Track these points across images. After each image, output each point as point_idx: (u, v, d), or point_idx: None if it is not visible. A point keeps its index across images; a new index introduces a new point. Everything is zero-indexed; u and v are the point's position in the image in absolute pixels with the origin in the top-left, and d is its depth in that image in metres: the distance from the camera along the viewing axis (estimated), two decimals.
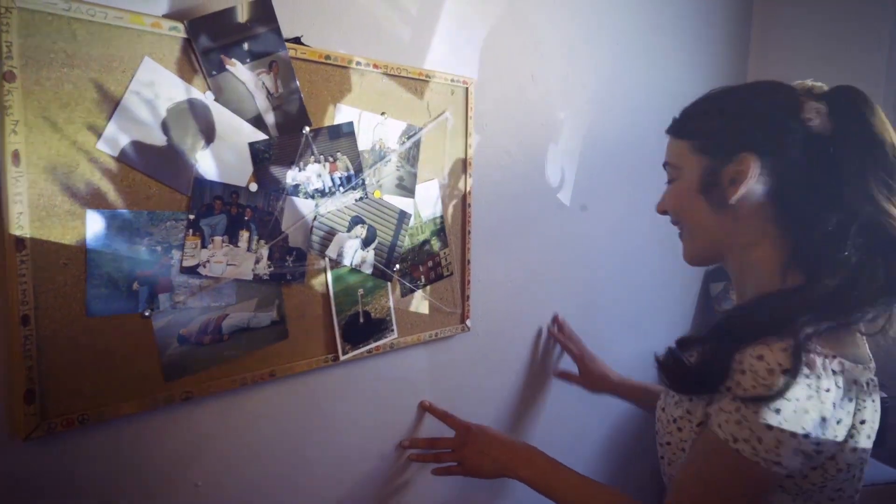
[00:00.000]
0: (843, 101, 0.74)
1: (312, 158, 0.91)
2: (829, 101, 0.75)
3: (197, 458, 0.84)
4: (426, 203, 1.08)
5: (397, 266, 1.05)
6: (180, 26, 0.76)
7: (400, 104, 1.02)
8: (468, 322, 1.18)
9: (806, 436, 0.66)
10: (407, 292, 1.08)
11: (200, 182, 0.80)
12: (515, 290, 1.29)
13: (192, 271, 0.80)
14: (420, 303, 1.10)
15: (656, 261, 1.70)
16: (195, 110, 0.79)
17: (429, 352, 1.14)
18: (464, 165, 1.13)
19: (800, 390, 0.65)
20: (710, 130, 0.81)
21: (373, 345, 1.03)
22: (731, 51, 1.96)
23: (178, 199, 0.78)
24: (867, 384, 0.72)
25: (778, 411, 0.65)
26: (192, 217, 0.80)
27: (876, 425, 0.74)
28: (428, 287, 1.11)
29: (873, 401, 0.73)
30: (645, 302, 1.69)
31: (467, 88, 1.11)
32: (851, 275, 0.71)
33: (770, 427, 0.65)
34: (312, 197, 0.92)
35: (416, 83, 1.03)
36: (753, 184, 0.76)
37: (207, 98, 0.80)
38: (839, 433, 0.69)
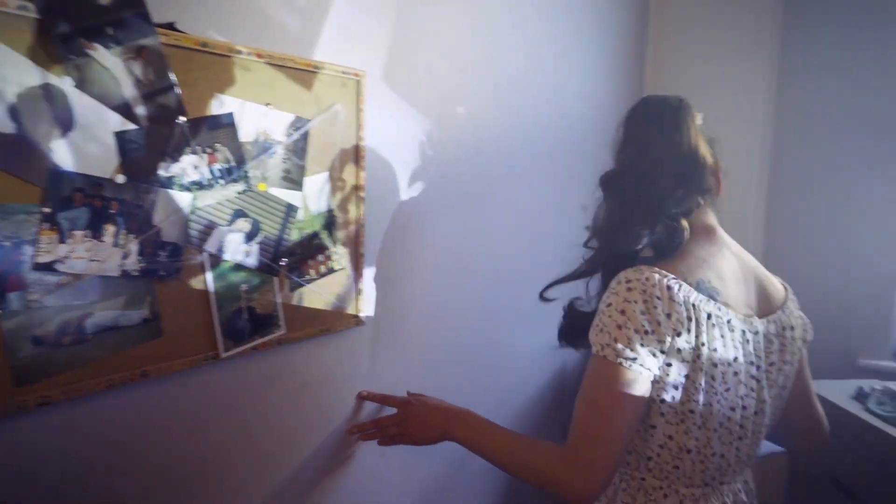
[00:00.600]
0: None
1: (189, 150, 0.88)
2: None
3: (58, 468, 0.80)
4: (315, 196, 1.07)
5: (284, 260, 1.03)
6: (30, 6, 0.71)
7: (287, 95, 0.99)
8: (362, 316, 1.18)
9: (647, 332, 0.80)
10: (296, 287, 1.06)
11: (57, 173, 0.75)
12: (410, 284, 1.30)
13: (47, 268, 0.75)
14: (311, 297, 1.09)
15: (556, 252, 1.76)
16: (50, 97, 0.74)
17: (321, 347, 1.13)
18: (356, 158, 1.12)
19: (636, 295, 0.81)
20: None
21: (258, 341, 1.01)
22: (630, 51, 2.04)
23: (31, 190, 0.73)
24: (710, 316, 0.83)
25: (622, 312, 0.81)
26: (46, 210, 0.75)
27: (730, 356, 0.85)
28: (319, 281, 1.10)
29: (722, 336, 0.84)
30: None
31: (359, 81, 1.10)
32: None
33: (619, 326, 0.80)
34: (189, 189, 0.89)
35: (304, 74, 1.01)
36: None
37: (66, 84, 0.75)
38: (679, 340, 0.81)
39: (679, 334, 0.81)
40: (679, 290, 0.81)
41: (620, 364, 0.79)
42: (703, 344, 0.82)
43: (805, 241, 2.05)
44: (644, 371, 0.80)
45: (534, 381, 1.76)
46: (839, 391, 1.69)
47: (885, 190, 1.91)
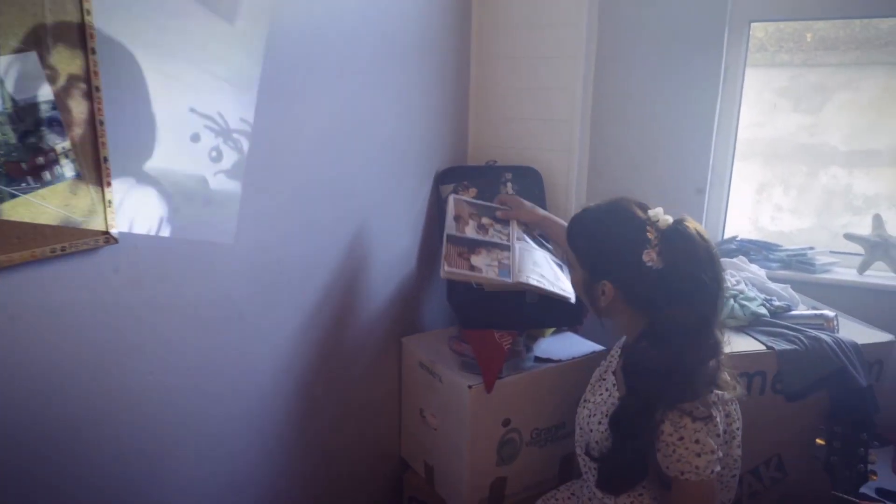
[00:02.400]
0: (673, 241, 1.06)
1: None
2: (663, 239, 1.06)
3: None
4: (21, 84, 0.84)
5: None
6: None
7: None
8: (114, 233, 0.99)
9: (715, 449, 1.02)
10: (7, 197, 0.85)
11: None
12: (184, 194, 1.12)
13: None
14: (31, 210, 0.88)
15: (382, 168, 1.64)
16: None
17: (55, 270, 0.93)
18: (80, 36, 0.90)
19: (700, 424, 1.01)
20: (585, 253, 1.18)
21: None
22: None
23: None
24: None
25: (697, 441, 1.01)
26: None
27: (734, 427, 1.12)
28: (41, 191, 0.89)
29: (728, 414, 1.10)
30: (377, 210, 1.64)
31: None
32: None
33: (699, 455, 1.01)
34: None
35: None
36: (613, 297, 1.12)
37: None
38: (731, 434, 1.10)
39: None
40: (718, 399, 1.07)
41: (707, 480, 1.01)
42: None
43: (625, 157, 2.11)
44: None
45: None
46: None
47: (687, 105, 1.99)
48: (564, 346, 1.79)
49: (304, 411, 1.53)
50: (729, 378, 1.10)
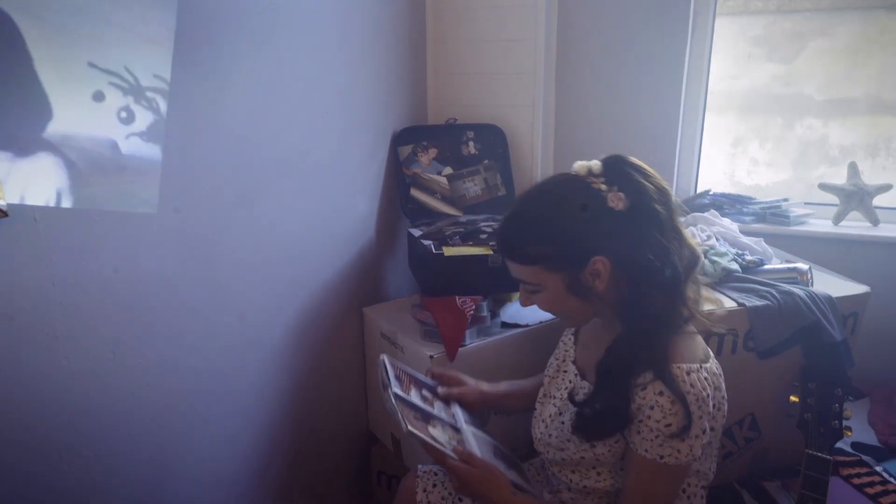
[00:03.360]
0: (619, 172, 0.96)
1: None
2: (608, 176, 0.96)
3: None
4: None
5: None
6: None
7: None
8: (2, 205, 0.88)
9: (704, 431, 0.94)
10: None
11: None
12: (90, 160, 1.01)
13: None
14: None
15: (332, 129, 1.54)
16: None
17: None
18: None
19: (694, 408, 0.92)
20: (552, 255, 0.97)
21: None
22: None
23: None
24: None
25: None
26: None
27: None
28: None
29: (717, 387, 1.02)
30: (329, 175, 1.53)
31: None
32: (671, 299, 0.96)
33: (683, 440, 0.93)
34: None
35: None
36: (609, 272, 0.96)
37: None
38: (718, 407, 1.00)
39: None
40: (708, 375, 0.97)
41: (688, 463, 0.95)
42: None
43: (592, 112, 2.00)
44: None
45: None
46: None
47: (654, 57, 1.89)
48: (533, 309, 1.70)
49: (263, 390, 1.45)
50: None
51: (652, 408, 0.92)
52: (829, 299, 1.35)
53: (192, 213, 1.18)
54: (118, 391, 1.10)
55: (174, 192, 1.13)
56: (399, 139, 1.83)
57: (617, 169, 0.97)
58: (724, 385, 1.03)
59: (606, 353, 0.99)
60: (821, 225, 1.86)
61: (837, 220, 1.83)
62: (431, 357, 1.44)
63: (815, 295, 1.34)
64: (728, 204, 1.94)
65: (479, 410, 1.29)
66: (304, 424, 1.62)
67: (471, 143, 1.88)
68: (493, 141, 1.87)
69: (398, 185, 1.83)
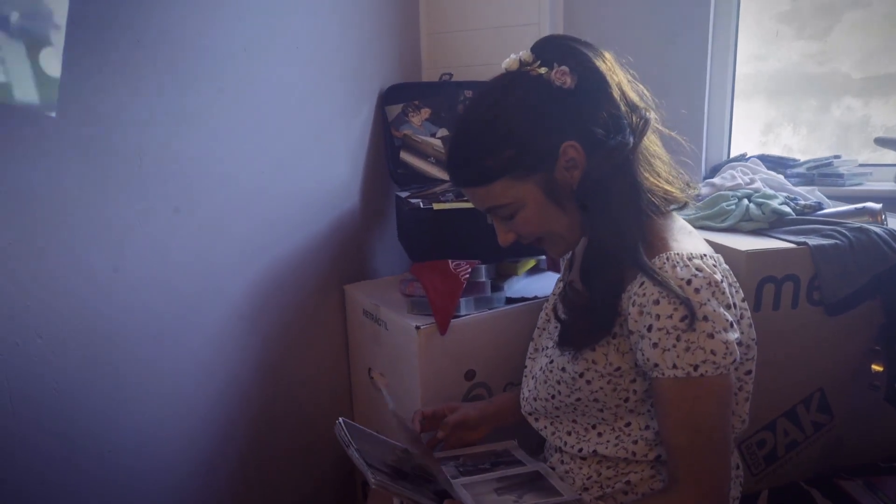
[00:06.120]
0: (552, 49, 0.84)
1: None
2: (543, 58, 0.83)
3: None
4: None
5: None
6: None
7: None
8: None
9: (732, 324, 0.76)
10: None
11: None
12: None
13: None
14: None
15: (307, 84, 1.36)
16: None
17: None
18: None
19: (705, 293, 0.75)
20: (516, 157, 0.83)
21: None
22: None
23: None
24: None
25: (706, 318, 0.74)
26: None
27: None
28: None
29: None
30: (299, 134, 1.34)
31: None
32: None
33: (712, 335, 0.74)
34: None
35: None
36: (583, 157, 0.82)
37: None
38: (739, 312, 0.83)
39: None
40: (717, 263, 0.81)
41: (725, 372, 0.76)
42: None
43: None
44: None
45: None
46: None
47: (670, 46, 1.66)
48: (542, 285, 1.45)
49: (241, 384, 1.30)
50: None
51: (657, 303, 0.76)
52: None
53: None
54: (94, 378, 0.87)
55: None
56: (387, 98, 1.63)
57: (549, 47, 0.85)
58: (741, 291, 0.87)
59: (583, 258, 0.87)
60: (881, 185, 1.59)
61: None
62: (417, 328, 1.19)
63: None
64: (769, 166, 1.69)
65: (482, 436, 1.13)
66: (285, 418, 1.44)
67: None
68: None
69: (386, 149, 1.61)
